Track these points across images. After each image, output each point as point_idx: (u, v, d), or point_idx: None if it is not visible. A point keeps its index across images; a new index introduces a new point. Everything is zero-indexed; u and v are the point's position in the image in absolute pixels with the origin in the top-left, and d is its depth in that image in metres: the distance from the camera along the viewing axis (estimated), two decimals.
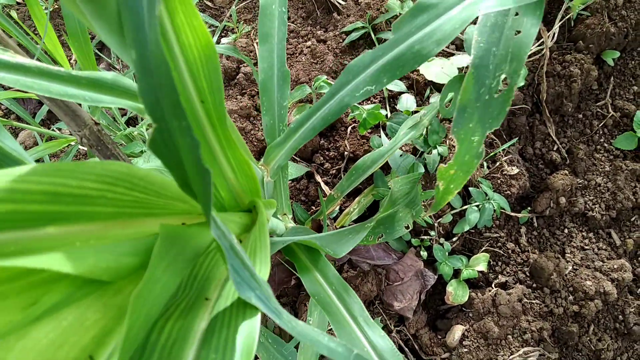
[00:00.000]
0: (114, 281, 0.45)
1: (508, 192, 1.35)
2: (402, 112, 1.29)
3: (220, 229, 0.42)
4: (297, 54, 1.66)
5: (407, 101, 1.31)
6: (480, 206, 1.28)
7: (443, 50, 1.51)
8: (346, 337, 0.80)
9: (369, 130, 1.42)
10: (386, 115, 1.41)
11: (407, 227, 1.11)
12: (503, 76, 0.75)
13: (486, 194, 1.28)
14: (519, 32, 0.73)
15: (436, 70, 1.17)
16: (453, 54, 1.46)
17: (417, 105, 1.42)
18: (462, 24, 0.73)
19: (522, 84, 1.14)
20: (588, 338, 1.30)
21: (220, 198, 0.68)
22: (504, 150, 1.38)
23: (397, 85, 1.42)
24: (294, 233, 0.98)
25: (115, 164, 0.45)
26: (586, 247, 1.37)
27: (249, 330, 0.45)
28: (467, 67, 1.13)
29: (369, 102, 1.48)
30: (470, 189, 1.29)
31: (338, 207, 1.33)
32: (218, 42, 1.77)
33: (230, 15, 1.88)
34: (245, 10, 1.90)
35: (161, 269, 0.44)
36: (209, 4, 1.97)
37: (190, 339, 0.44)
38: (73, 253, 0.37)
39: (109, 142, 0.85)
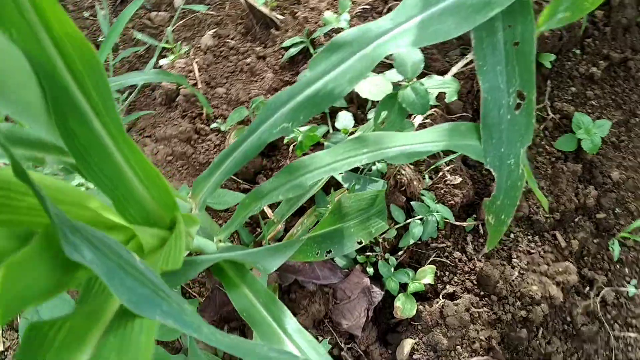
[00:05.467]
0: None
1: (452, 201, 1.36)
2: (340, 130, 1.28)
3: (76, 244, 0.39)
4: (238, 72, 1.64)
5: (345, 119, 1.30)
6: (423, 219, 1.28)
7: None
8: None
9: (311, 148, 1.41)
10: (328, 131, 1.40)
11: (360, 243, 1.11)
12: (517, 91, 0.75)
13: (429, 207, 1.29)
14: (517, 43, 0.73)
15: (369, 87, 1.17)
16: (391, 66, 1.46)
17: (358, 121, 1.42)
18: (373, 63, 0.73)
19: (454, 98, 1.15)
20: (537, 342, 1.31)
21: (131, 214, 0.67)
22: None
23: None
24: (225, 251, 0.96)
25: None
26: (532, 251, 1.39)
27: (147, 329, 0.44)
28: (401, 82, 1.13)
29: (311, 120, 1.47)
30: (413, 202, 1.29)
31: (283, 228, 1.32)
32: (157, 64, 1.74)
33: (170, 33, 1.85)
34: (184, 29, 1.87)
35: (37, 258, 0.43)
36: (148, 22, 1.94)
37: (90, 337, 0.44)
38: None
39: None
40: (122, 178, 0.62)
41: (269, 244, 1.27)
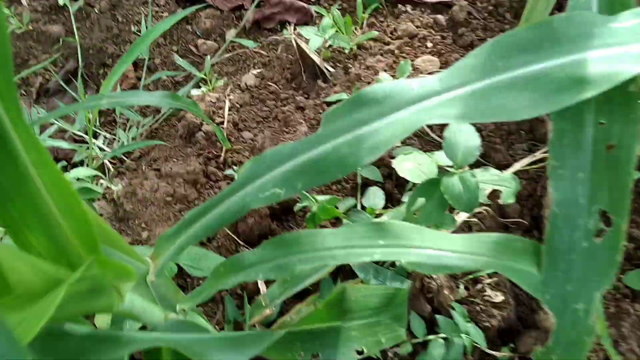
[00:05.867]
0: None
1: (487, 323, 1.10)
2: (366, 209, 1.06)
3: None
4: (271, 119, 1.46)
5: (375, 196, 1.08)
6: (448, 339, 1.03)
7: (428, 137, 1.30)
8: None
9: (333, 221, 1.19)
10: (354, 205, 1.18)
11: (360, 353, 0.86)
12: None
13: (458, 325, 1.03)
14: (611, 146, 0.54)
15: (411, 166, 0.95)
16: (439, 144, 1.25)
17: (393, 202, 1.20)
18: (406, 132, 0.52)
19: (511, 201, 0.92)
20: None
21: (31, 241, 0.49)
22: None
23: (372, 173, 1.20)
24: (170, 329, 0.72)
25: None
26: None
27: None
28: (449, 167, 0.92)
29: (340, 185, 1.26)
30: (438, 316, 1.05)
31: (276, 313, 1.09)
32: (189, 93, 1.58)
33: (213, 65, 1.71)
34: (229, 63, 1.72)
35: None
36: (193, 49, 1.80)
37: None
38: None
39: None
40: (23, 180, 0.42)
41: (258, 328, 1.04)
